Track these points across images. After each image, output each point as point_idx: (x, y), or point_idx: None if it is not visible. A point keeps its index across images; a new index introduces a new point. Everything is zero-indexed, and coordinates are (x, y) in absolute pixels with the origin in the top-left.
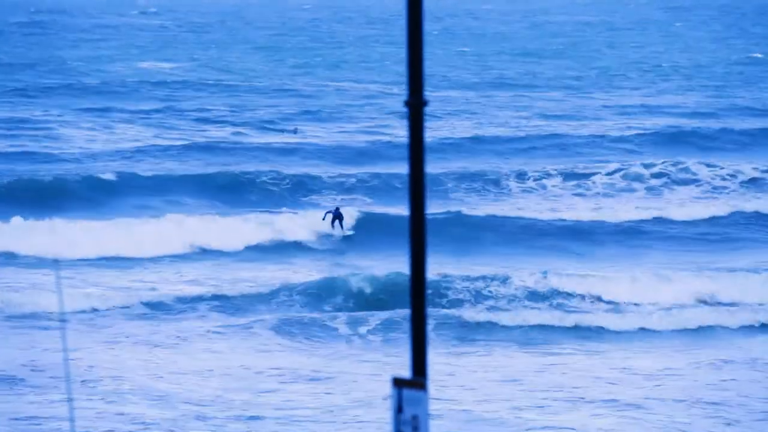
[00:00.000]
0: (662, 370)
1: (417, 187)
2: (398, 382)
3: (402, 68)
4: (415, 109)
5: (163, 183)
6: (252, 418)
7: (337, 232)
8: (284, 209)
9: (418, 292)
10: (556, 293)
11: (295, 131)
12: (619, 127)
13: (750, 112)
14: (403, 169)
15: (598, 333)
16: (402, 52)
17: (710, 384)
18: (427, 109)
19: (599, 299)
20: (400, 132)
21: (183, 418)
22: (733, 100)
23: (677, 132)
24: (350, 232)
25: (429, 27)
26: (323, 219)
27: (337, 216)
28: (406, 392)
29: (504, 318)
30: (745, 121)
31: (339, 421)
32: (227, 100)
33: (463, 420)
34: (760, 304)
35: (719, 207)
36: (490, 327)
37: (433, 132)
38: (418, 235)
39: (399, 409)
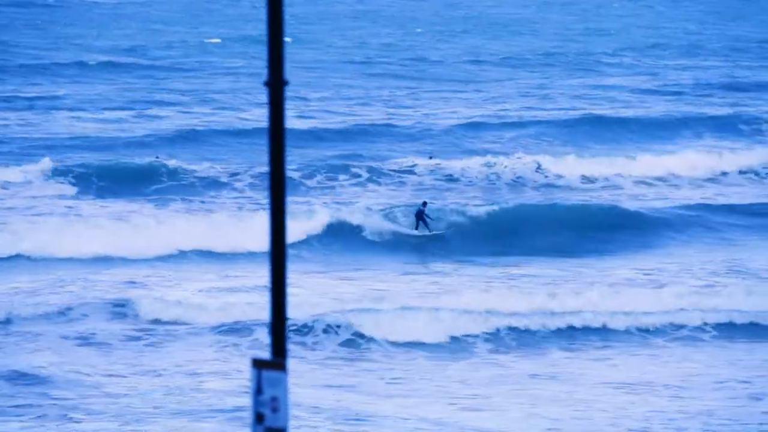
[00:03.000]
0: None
1: (277, 170)
2: (258, 363)
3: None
4: (275, 89)
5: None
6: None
7: (422, 231)
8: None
9: (277, 274)
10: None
11: (430, 157)
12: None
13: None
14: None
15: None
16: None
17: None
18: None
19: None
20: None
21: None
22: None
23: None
24: (437, 232)
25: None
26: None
27: (421, 213)
28: (266, 373)
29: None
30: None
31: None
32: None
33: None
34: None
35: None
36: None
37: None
38: (277, 219)
39: (258, 390)
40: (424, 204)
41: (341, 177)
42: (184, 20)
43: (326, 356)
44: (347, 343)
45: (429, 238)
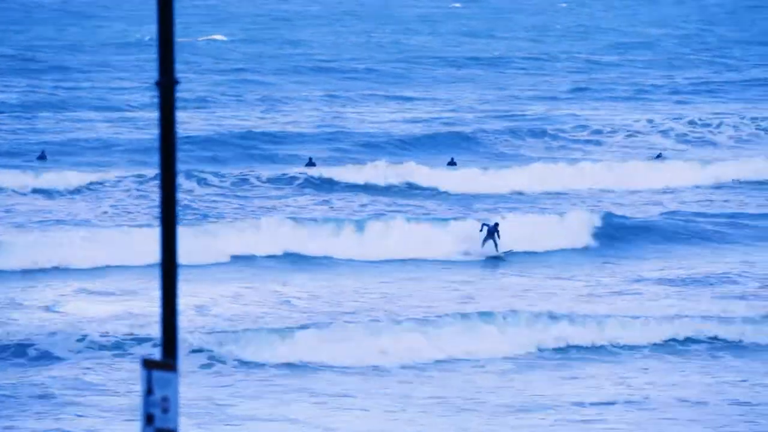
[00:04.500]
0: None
1: (168, 172)
2: (148, 364)
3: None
4: (166, 89)
5: None
6: None
7: (489, 250)
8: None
9: (168, 273)
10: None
11: None
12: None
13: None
14: None
15: None
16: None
17: None
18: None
19: None
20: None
21: None
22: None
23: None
24: (504, 252)
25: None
26: (480, 231)
27: (493, 232)
28: (156, 373)
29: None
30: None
31: None
32: None
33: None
34: None
35: None
36: None
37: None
38: (168, 216)
39: (149, 391)
40: (496, 224)
41: (212, 184)
42: (129, 17)
43: (199, 362)
44: (216, 350)
45: (496, 257)
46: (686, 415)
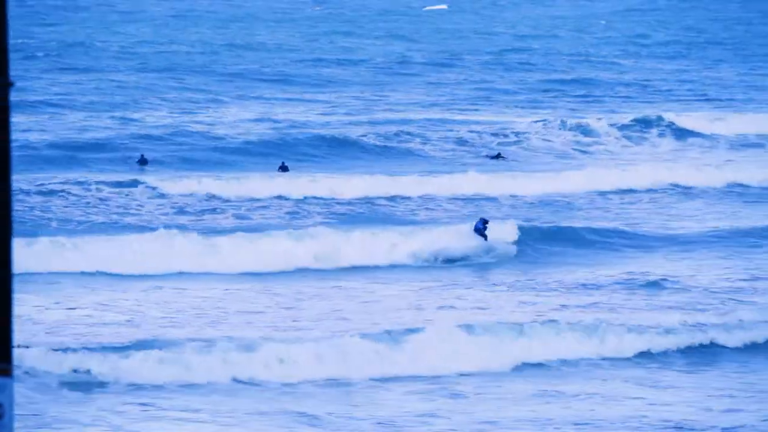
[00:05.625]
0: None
1: (2, 175)
2: None
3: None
4: (1, 90)
5: None
6: None
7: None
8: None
9: (2, 278)
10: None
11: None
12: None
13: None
14: None
15: None
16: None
17: None
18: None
19: None
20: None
21: None
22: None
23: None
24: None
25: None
26: (480, 230)
27: (481, 228)
28: None
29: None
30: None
31: None
32: None
33: None
34: None
35: None
36: None
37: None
38: (3, 222)
39: None
40: (484, 221)
41: (46, 191)
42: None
43: (25, 369)
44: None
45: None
46: None
